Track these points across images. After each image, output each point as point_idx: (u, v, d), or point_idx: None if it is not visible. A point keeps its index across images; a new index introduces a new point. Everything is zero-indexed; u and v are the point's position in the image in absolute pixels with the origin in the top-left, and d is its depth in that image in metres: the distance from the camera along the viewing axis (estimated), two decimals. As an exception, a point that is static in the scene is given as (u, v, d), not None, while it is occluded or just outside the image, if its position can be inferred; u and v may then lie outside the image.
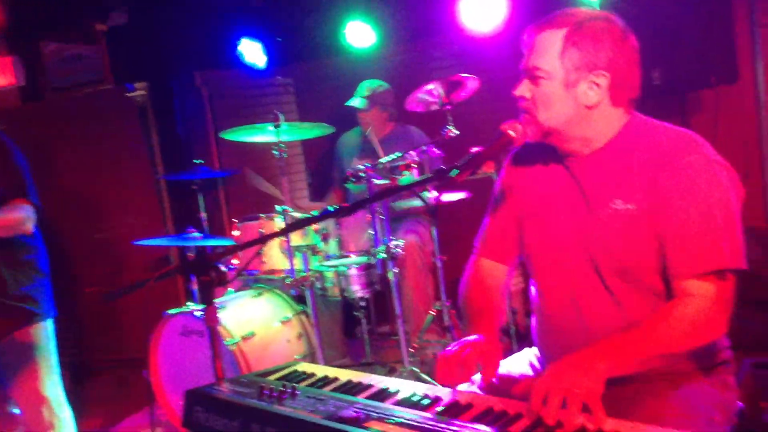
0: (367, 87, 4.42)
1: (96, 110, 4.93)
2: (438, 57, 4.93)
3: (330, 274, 3.58)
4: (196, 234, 3.45)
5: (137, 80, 4.96)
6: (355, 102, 4.39)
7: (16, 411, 3.01)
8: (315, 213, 3.73)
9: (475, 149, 1.84)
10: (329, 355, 3.82)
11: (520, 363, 2.00)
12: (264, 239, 2.81)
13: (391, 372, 3.79)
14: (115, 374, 4.69)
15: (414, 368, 3.45)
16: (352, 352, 4.33)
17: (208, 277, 1.78)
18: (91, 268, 4.99)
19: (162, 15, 4.98)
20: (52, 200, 2.91)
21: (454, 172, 1.70)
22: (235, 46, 4.82)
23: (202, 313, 3.21)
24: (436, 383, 1.69)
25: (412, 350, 3.72)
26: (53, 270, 3.02)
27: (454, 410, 1.49)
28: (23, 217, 2.79)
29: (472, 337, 1.72)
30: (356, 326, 4.43)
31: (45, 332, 2.90)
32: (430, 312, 3.81)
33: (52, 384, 2.90)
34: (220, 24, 4.95)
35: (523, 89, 1.77)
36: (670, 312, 1.61)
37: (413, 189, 3.46)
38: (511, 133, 1.76)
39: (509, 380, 1.83)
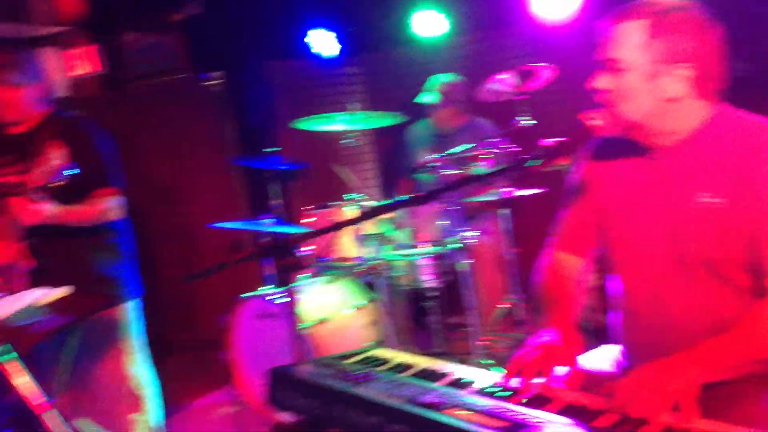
0: (438, 81, 4.38)
1: (173, 98, 5.07)
2: (510, 46, 4.82)
3: (401, 263, 3.59)
4: (270, 220, 3.52)
5: (213, 69, 5.09)
6: (427, 97, 4.37)
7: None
8: (388, 202, 3.79)
9: (549, 140, 1.80)
10: (398, 344, 3.86)
11: (603, 359, 1.97)
12: (338, 226, 2.83)
13: (459, 364, 3.79)
14: (192, 354, 4.81)
15: (483, 361, 3.43)
16: (421, 341, 4.34)
17: (286, 261, 1.82)
18: (168, 251, 5.14)
19: (236, 5, 5.10)
20: (132, 185, 3.00)
21: (528, 164, 1.67)
22: (306, 36, 4.88)
23: (277, 296, 3.30)
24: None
25: (481, 343, 3.70)
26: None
27: (537, 402, 1.48)
28: (101, 209, 2.85)
29: (545, 338, 1.70)
30: (425, 316, 4.44)
31: (129, 312, 3.01)
32: (502, 305, 3.79)
33: (136, 362, 3.02)
34: (292, 14, 5.03)
35: (602, 82, 1.70)
36: (763, 315, 1.56)
37: (487, 180, 3.44)
38: (591, 123, 1.71)
39: (592, 376, 1.79)
